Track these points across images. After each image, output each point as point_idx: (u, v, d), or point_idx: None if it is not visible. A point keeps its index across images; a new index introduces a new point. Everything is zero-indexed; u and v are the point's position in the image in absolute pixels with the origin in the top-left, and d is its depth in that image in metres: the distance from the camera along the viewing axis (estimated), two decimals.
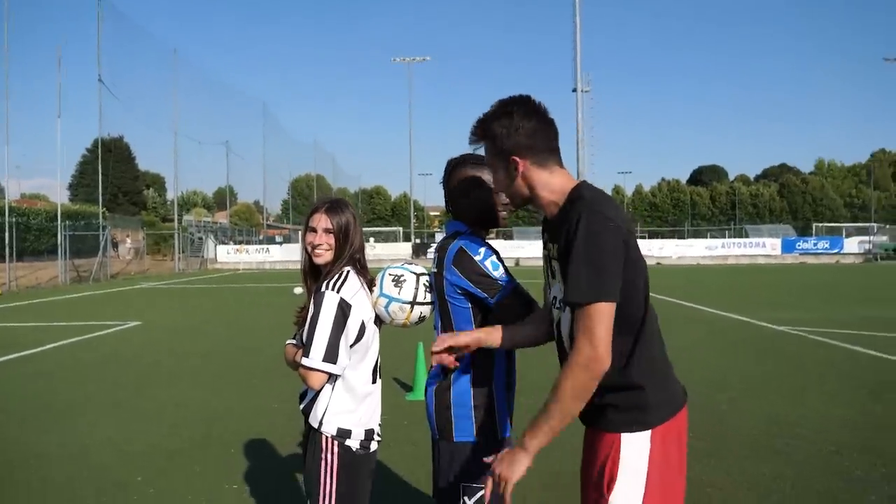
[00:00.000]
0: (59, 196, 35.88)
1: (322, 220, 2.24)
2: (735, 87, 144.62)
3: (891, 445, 4.66)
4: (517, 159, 1.76)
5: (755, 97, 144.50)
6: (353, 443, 2.18)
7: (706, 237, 54.24)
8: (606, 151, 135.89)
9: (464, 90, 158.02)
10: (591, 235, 1.58)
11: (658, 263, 40.83)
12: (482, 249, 2.13)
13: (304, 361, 2.09)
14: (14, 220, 24.59)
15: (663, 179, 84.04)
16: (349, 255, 2.24)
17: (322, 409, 2.18)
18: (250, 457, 4.60)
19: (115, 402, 6.35)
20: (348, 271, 2.22)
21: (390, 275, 2.28)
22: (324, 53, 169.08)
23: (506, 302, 2.10)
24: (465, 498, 2.10)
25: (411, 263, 2.34)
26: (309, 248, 2.26)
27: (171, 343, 10.11)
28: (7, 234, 23.35)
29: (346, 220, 2.24)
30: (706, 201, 79.60)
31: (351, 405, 2.19)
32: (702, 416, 5.27)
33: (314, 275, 2.30)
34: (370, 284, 2.29)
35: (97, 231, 30.72)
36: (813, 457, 4.46)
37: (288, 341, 2.35)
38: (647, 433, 1.72)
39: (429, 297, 2.24)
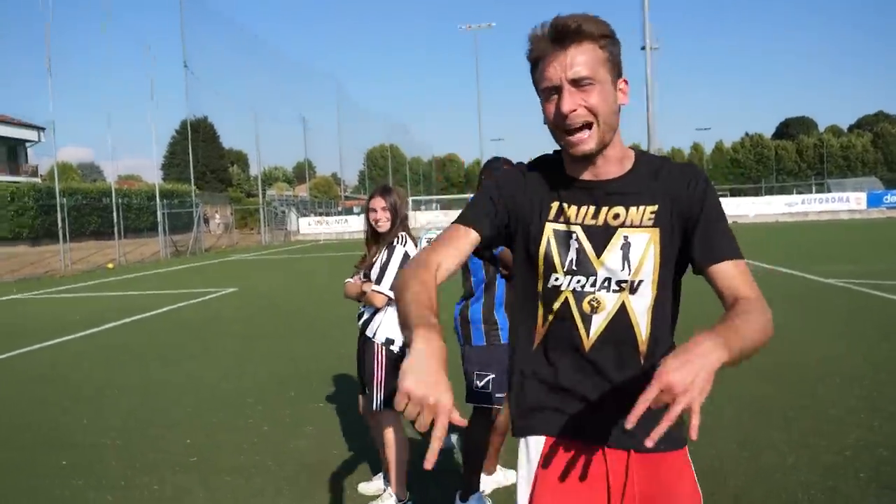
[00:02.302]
0: (156, 177, 38.65)
1: (379, 202, 3.32)
2: (824, 30, 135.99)
3: (872, 367, 5.32)
4: (626, 83, 1.40)
5: (846, 40, 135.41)
6: (395, 347, 3.24)
7: (791, 193, 52.39)
8: (682, 108, 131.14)
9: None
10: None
11: (734, 222, 40.09)
12: None
13: (376, 288, 3.17)
14: (120, 200, 27.01)
15: (746, 134, 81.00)
16: (400, 221, 3.27)
17: (377, 324, 3.26)
18: (330, 386, 5.75)
19: (224, 350, 7.70)
20: (405, 235, 3.26)
21: (427, 239, 3.33)
22: (391, 25, 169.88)
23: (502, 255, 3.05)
24: (477, 382, 3.14)
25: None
26: (373, 223, 3.33)
27: (264, 304, 11.56)
28: (115, 214, 25.78)
29: (394, 200, 3.29)
30: (792, 155, 76.34)
31: (395, 322, 3.25)
32: None
33: (375, 240, 3.37)
34: (415, 242, 3.36)
35: (190, 208, 33.20)
36: (809, 382, 5.21)
37: (346, 280, 3.42)
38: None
39: None
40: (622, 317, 1.41)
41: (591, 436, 1.43)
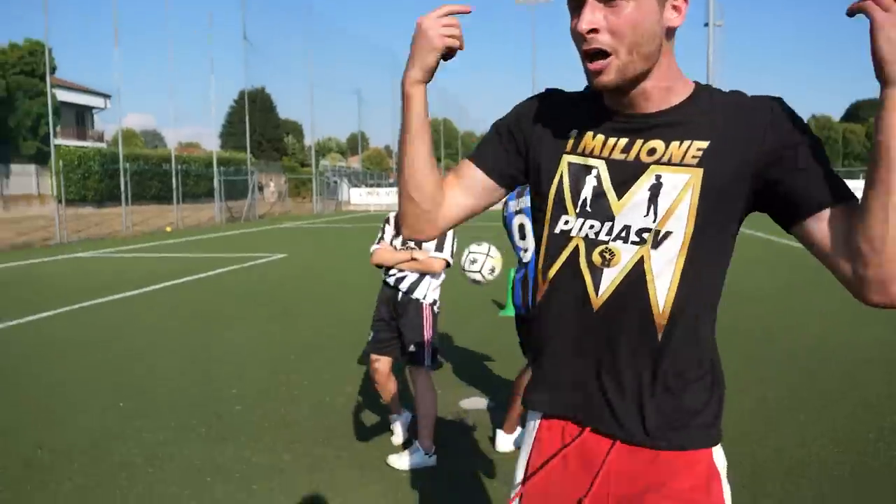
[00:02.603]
0: (214, 145, 39.67)
1: None
2: None
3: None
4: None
5: None
6: (436, 307, 3.55)
7: (858, 178, 50.30)
8: (747, 88, 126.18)
9: None
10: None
11: None
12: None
13: (439, 255, 3.50)
14: (179, 167, 27.91)
15: (813, 116, 77.85)
16: None
17: (426, 287, 3.56)
18: (362, 343, 5.98)
19: (270, 311, 8.04)
20: None
21: (471, 252, 3.60)
22: None
23: None
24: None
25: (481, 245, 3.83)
26: None
27: (310, 271, 11.92)
28: (175, 180, 26.68)
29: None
30: (861, 139, 73.10)
31: (438, 284, 3.57)
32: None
33: None
34: None
35: (245, 176, 34.05)
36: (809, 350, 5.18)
37: (374, 247, 3.61)
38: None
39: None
40: (638, 276, 1.13)
41: (586, 419, 1.20)
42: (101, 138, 46.76)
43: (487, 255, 3.76)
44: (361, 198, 45.94)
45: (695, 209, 1.12)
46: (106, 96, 45.55)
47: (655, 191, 1.13)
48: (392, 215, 3.82)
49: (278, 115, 70.67)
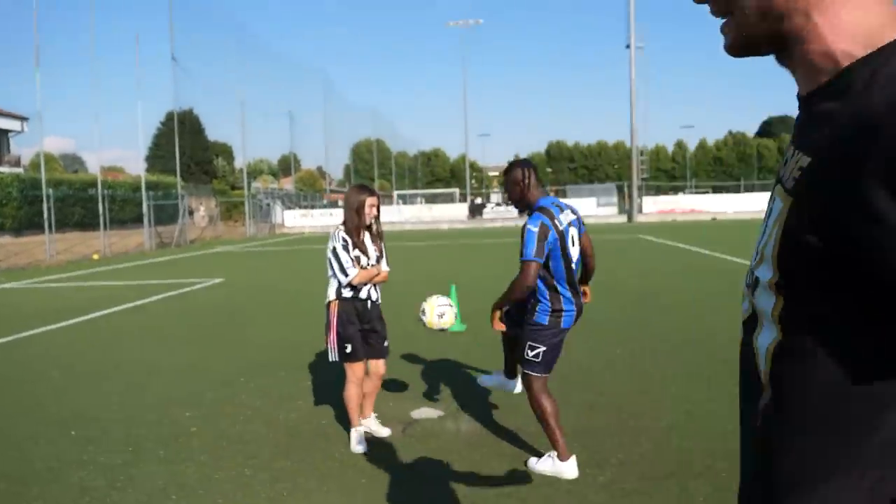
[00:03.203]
0: (138, 169, 38.63)
1: (374, 200, 4.11)
2: None
3: None
4: None
5: None
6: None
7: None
8: (668, 106, 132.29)
9: (516, 50, 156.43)
10: None
11: (714, 219, 40.89)
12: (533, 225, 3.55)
13: (387, 268, 4.21)
14: (106, 192, 27.11)
15: (729, 133, 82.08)
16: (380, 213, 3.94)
17: (379, 292, 4.20)
18: (316, 365, 6.14)
19: (214, 335, 8.06)
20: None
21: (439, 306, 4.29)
22: (379, 21, 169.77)
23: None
24: (529, 351, 3.65)
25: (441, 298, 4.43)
26: (369, 214, 4.10)
27: (252, 294, 11.90)
28: (101, 205, 25.89)
29: (378, 196, 3.86)
30: (774, 154, 77.49)
31: None
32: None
33: (367, 229, 4.13)
34: None
35: (174, 200, 33.31)
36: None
37: (352, 271, 4.04)
38: None
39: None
40: (746, 336, 0.84)
41: None
42: (17, 163, 44.75)
43: (449, 306, 4.40)
44: (296, 220, 45.57)
45: (777, 255, 0.75)
46: (23, 119, 43.72)
47: (766, 220, 0.81)
48: (342, 234, 4.07)
49: (207, 137, 69.34)
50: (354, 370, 4.17)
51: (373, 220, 4.19)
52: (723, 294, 9.97)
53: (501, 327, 3.80)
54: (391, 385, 5.47)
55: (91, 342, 7.94)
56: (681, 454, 3.85)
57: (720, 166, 78.17)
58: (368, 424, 4.35)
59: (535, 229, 3.54)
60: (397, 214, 44.93)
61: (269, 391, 5.48)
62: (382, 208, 4.33)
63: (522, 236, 3.57)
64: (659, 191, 62.03)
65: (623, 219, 43.79)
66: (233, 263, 19.70)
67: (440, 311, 4.29)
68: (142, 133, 51.55)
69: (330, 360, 4.14)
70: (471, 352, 6.57)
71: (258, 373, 6.10)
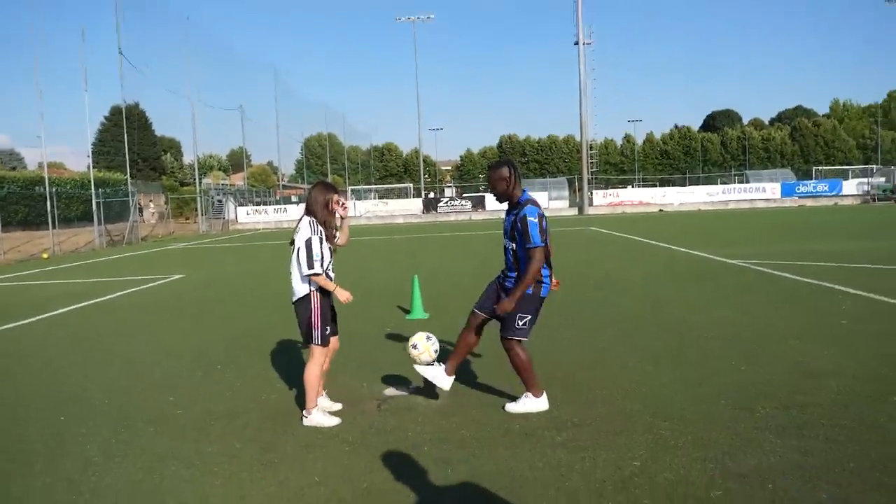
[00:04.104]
0: (80, 165, 37.71)
1: (339, 196, 4.47)
2: (747, 28, 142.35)
3: (744, 327, 6.44)
4: None
5: (768, 38, 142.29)
6: None
7: (716, 183, 55.34)
8: (616, 102, 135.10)
9: (467, 45, 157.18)
10: None
11: (660, 210, 42.24)
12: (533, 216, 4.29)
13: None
14: (54, 190, 26.48)
15: (675, 126, 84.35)
16: None
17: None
18: (289, 350, 6.47)
19: (184, 327, 8.27)
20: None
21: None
22: (330, 15, 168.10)
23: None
24: (519, 321, 4.38)
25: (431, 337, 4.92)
26: (341, 207, 4.50)
27: (214, 288, 12.06)
28: (49, 203, 25.32)
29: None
30: (717, 147, 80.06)
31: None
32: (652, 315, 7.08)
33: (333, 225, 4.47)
34: None
35: (124, 197, 32.70)
36: (688, 344, 6.26)
37: (319, 271, 4.33)
38: None
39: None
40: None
41: None
42: None
43: (436, 340, 4.93)
44: (249, 216, 45.19)
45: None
46: None
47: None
48: (319, 227, 4.39)
49: (154, 133, 67.83)
50: (325, 351, 4.51)
51: (339, 218, 4.54)
52: (666, 279, 10.63)
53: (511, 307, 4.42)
54: (365, 366, 5.84)
55: (63, 336, 8.06)
56: (628, 416, 4.35)
57: (667, 159, 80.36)
58: (323, 402, 4.65)
59: (536, 220, 4.25)
60: (352, 210, 44.94)
61: (247, 374, 5.79)
62: None
63: (524, 227, 4.23)
64: (609, 184, 63.48)
65: (574, 211, 44.82)
66: (190, 260, 19.65)
67: (436, 347, 4.86)
68: (82, 129, 50.04)
69: (314, 344, 4.44)
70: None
71: (234, 358, 6.39)
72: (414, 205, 47.54)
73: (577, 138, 56.87)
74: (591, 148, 48.09)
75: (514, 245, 4.44)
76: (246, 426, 4.49)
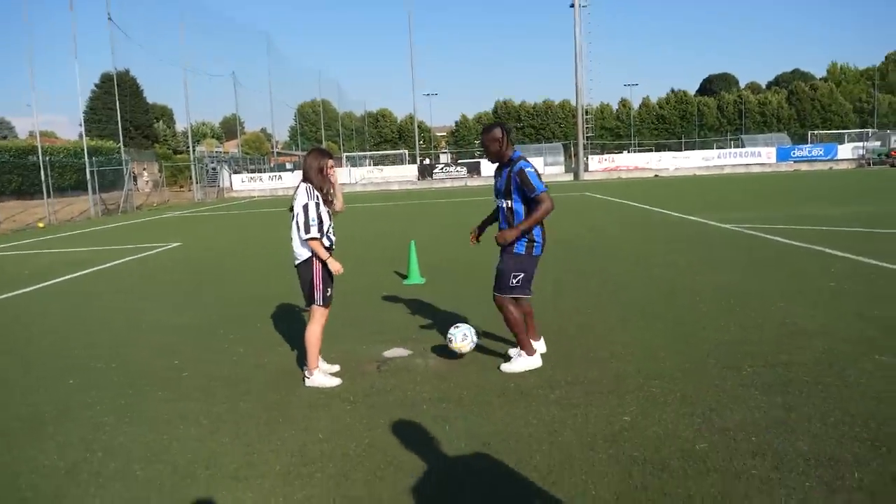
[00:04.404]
0: (71, 133, 37.42)
1: (333, 162, 4.55)
2: None
3: (734, 289, 6.59)
4: None
5: (766, 1, 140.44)
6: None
7: (712, 148, 55.26)
8: (612, 66, 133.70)
9: (462, 10, 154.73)
10: None
11: (656, 175, 42.25)
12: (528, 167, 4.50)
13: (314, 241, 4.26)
14: (48, 159, 26.35)
15: (672, 90, 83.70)
16: None
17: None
18: (290, 315, 6.61)
19: (186, 293, 8.40)
20: None
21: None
22: None
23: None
24: (512, 279, 4.58)
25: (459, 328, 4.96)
26: (332, 173, 4.57)
27: (212, 256, 12.16)
28: (42, 173, 25.21)
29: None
30: (713, 111, 79.60)
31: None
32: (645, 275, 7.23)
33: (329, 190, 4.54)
34: None
35: (118, 166, 32.56)
36: (685, 309, 6.42)
37: (315, 235, 4.43)
38: None
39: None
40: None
41: None
42: None
43: (471, 340, 4.94)
44: (244, 184, 45.04)
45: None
46: None
47: None
48: (316, 192, 4.49)
49: (146, 100, 67.13)
50: (325, 313, 4.68)
51: (334, 182, 4.65)
52: (658, 243, 10.77)
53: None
54: (364, 329, 5.99)
55: (65, 304, 8.18)
56: (619, 376, 4.51)
57: (663, 124, 79.92)
58: (321, 365, 4.80)
59: (531, 168, 4.48)
60: (347, 176, 44.80)
61: (249, 340, 5.93)
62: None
63: (523, 178, 4.42)
64: (604, 149, 63.27)
65: (570, 177, 44.77)
66: (186, 228, 19.70)
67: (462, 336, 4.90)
68: (72, 97, 49.51)
69: (316, 304, 4.59)
70: (431, 301, 7.12)
71: (235, 324, 6.53)
72: (409, 171, 47.41)
73: (573, 103, 56.52)
74: (586, 113, 47.83)
75: (508, 202, 4.59)
76: (250, 388, 4.64)
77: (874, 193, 19.86)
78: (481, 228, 5.13)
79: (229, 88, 49.99)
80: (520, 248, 4.57)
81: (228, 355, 5.48)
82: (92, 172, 28.44)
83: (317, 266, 4.55)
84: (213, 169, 46.96)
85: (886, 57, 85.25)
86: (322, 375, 4.65)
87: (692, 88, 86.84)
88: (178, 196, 41.89)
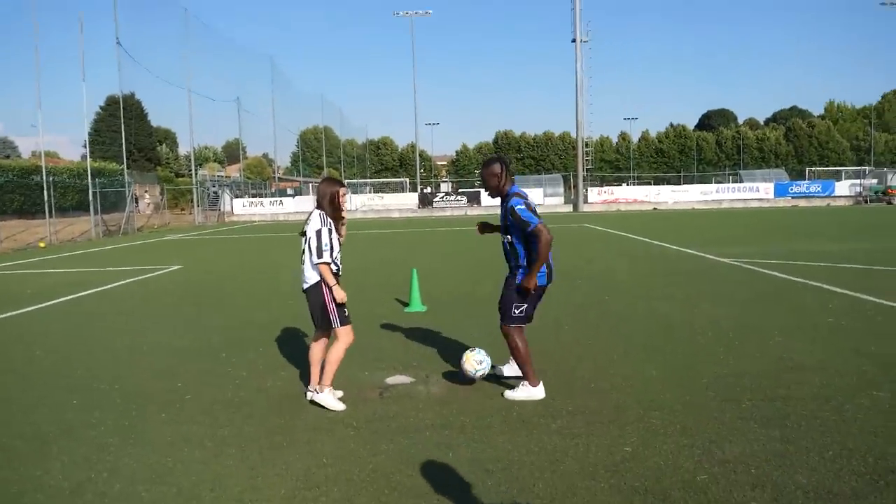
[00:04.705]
0: (73, 154, 37.70)
1: (344, 190, 4.70)
2: (744, 28, 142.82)
3: (733, 323, 6.65)
4: None
5: (765, 39, 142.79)
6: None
7: (710, 182, 55.69)
8: (613, 99, 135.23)
9: (464, 41, 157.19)
10: None
11: (654, 209, 42.51)
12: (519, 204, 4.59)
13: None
14: (52, 179, 26.51)
15: (671, 125, 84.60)
16: None
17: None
18: (292, 340, 6.65)
19: (187, 316, 8.43)
20: None
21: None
22: (328, 8, 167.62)
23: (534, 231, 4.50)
24: (515, 310, 4.70)
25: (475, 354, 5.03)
26: (345, 202, 4.73)
27: (214, 279, 12.21)
28: (45, 192, 25.36)
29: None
30: (712, 146, 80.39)
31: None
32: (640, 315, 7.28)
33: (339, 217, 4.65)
34: None
35: (120, 188, 32.75)
36: (684, 341, 6.47)
37: (328, 260, 4.53)
38: None
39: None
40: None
41: None
42: None
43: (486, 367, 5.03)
44: (245, 208, 45.22)
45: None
46: None
47: None
48: (329, 220, 4.60)
49: (150, 123, 67.62)
50: (349, 331, 4.75)
51: (344, 210, 4.79)
52: (657, 276, 10.85)
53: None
54: (366, 356, 6.03)
55: (67, 324, 8.22)
56: (619, 407, 4.55)
57: (662, 158, 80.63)
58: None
59: (521, 206, 4.56)
60: (348, 203, 44.97)
61: (252, 364, 5.97)
62: None
63: (516, 217, 4.53)
64: (604, 181, 63.73)
65: (569, 208, 45.01)
66: (187, 251, 19.76)
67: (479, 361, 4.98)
68: (76, 117, 49.97)
69: (337, 327, 4.67)
70: (432, 329, 7.18)
71: (237, 348, 6.57)
72: (410, 199, 47.65)
73: (573, 135, 57.03)
74: (587, 145, 48.29)
75: (508, 237, 4.71)
76: (253, 412, 4.67)
77: (872, 230, 20.02)
78: (488, 226, 5.28)
79: (233, 113, 50.46)
80: (522, 277, 4.68)
81: (230, 379, 5.52)
82: (94, 193, 28.59)
83: (326, 289, 4.64)
84: (215, 193, 47.24)
85: (883, 96, 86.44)
86: (332, 396, 4.70)
87: (691, 123, 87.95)
88: (179, 219, 42.02)
